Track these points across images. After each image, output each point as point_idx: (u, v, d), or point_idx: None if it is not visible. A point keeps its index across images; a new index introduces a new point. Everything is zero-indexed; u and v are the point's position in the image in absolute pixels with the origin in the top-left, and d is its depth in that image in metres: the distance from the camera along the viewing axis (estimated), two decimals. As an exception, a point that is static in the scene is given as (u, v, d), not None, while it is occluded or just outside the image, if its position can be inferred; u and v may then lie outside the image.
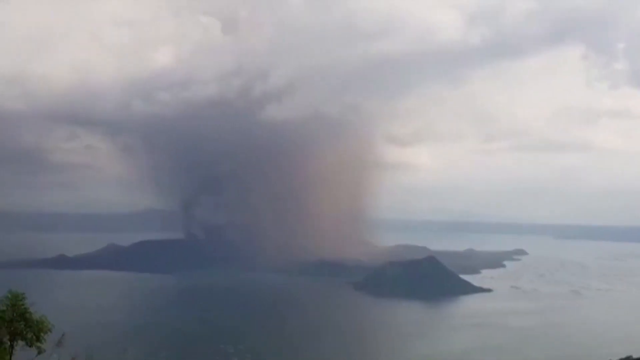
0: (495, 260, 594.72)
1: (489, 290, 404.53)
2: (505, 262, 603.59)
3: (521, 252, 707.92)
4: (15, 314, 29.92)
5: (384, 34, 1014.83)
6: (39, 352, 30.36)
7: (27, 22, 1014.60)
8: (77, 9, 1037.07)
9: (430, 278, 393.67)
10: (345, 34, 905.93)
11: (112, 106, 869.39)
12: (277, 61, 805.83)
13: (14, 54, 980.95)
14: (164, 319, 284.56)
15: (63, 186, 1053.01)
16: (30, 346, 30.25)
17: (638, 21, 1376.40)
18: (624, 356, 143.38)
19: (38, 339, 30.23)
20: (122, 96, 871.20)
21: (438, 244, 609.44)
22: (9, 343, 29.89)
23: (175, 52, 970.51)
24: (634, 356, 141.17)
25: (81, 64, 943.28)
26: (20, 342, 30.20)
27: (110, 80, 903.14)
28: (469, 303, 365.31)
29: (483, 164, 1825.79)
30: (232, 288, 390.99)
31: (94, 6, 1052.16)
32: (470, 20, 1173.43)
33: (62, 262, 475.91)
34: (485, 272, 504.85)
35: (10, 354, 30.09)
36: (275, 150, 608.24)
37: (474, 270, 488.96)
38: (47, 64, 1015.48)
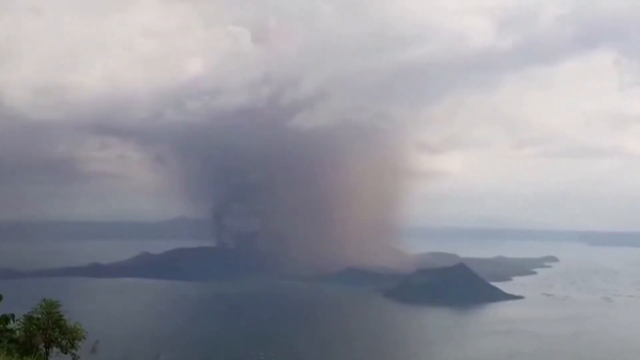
0: (525, 267, 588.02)
1: (520, 297, 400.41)
2: (536, 269, 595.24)
3: (552, 259, 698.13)
4: (50, 322, 31.40)
5: (414, 41, 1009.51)
6: (74, 359, 31.86)
7: (60, 33, 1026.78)
8: (109, 20, 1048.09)
9: (460, 285, 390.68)
10: (375, 41, 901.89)
11: (143, 116, 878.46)
12: (306, 69, 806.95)
13: (47, 65, 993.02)
14: (195, 326, 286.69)
15: (95, 195, 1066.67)
16: (64, 353, 31.57)
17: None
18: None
19: (72, 346, 31.67)
20: (153, 106, 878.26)
21: (468, 251, 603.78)
22: (44, 350, 31.31)
23: (205, 62, 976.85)
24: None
25: (113, 75, 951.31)
26: (55, 349, 31.67)
27: (141, 90, 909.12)
28: (499, 310, 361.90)
29: (514, 170, 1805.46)
30: (262, 295, 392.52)
31: (125, 18, 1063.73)
32: (501, 26, 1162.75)
33: (95, 270, 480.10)
34: (516, 279, 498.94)
35: (46, 361, 31.56)
36: (305, 158, 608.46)
37: (505, 278, 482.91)
38: (79, 74, 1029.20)
